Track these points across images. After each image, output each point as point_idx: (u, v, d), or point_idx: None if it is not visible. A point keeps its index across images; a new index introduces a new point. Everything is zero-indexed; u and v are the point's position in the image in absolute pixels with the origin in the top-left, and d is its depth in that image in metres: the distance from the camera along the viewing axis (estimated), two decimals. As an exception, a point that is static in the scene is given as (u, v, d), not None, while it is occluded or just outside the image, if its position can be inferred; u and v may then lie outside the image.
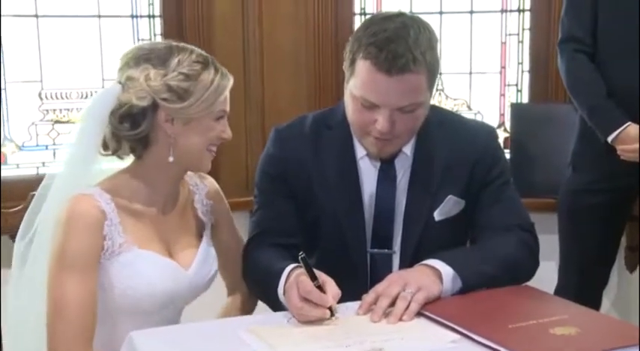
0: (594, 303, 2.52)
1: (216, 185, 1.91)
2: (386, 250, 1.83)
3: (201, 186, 1.86)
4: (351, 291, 1.63)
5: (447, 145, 1.84)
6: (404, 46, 1.64)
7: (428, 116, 1.82)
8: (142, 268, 1.65)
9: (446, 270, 1.62)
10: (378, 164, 1.84)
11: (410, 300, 1.54)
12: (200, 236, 1.82)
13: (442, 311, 1.54)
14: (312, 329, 1.48)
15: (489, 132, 1.95)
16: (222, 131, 1.69)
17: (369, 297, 1.57)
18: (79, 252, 1.60)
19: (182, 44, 1.69)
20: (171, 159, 1.66)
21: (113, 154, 1.70)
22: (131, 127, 1.64)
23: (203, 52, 1.69)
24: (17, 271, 1.74)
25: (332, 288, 1.53)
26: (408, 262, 1.78)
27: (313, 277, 1.52)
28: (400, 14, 1.73)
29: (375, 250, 1.84)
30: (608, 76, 2.49)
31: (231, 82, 1.69)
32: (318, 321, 1.50)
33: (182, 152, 1.67)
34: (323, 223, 1.85)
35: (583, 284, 2.56)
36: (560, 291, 2.50)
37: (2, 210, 1.97)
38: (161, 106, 1.62)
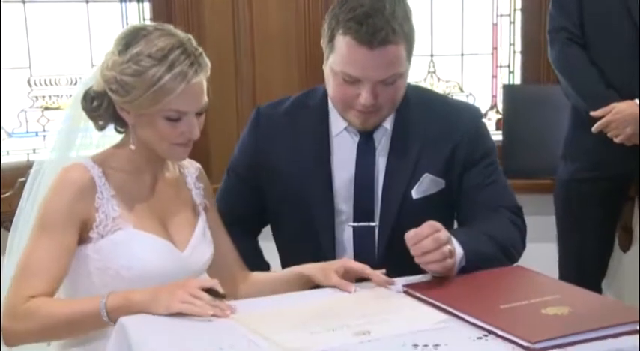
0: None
1: (204, 172, 1.88)
2: (368, 224, 1.85)
3: (191, 169, 1.84)
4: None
5: (427, 124, 1.85)
6: (382, 20, 1.68)
7: (409, 95, 1.85)
8: (138, 248, 1.64)
9: (458, 250, 1.64)
10: (357, 138, 1.85)
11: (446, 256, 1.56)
12: (195, 217, 1.79)
13: (432, 292, 1.54)
14: (298, 314, 1.48)
15: (473, 113, 1.95)
16: (181, 133, 1.62)
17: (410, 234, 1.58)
18: (59, 212, 1.59)
19: (162, 30, 1.61)
20: (132, 147, 1.65)
21: (100, 130, 1.70)
22: (96, 108, 1.65)
23: (174, 43, 1.58)
24: (8, 259, 1.75)
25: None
26: (386, 236, 1.82)
27: None
28: None
29: (357, 224, 1.85)
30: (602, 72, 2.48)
31: (194, 80, 1.58)
32: (301, 306, 1.51)
33: (143, 142, 1.65)
34: (294, 201, 1.87)
35: (582, 275, 2.54)
36: None
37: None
38: (110, 95, 1.62)
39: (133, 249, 1.63)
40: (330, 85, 1.80)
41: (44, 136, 2.92)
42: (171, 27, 1.63)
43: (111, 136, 1.72)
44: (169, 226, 1.72)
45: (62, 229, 1.59)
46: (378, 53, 1.69)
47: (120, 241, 1.63)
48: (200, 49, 1.62)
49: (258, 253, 2.01)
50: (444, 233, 1.58)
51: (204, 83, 1.62)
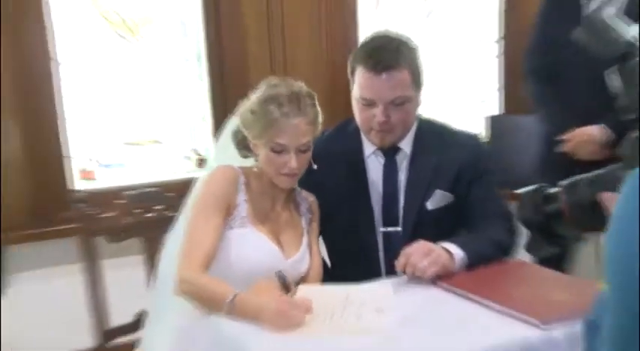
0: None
1: (316, 204, 2.02)
2: (395, 228, 2.05)
3: (306, 200, 1.99)
4: (369, 264, 1.99)
5: (439, 149, 2.06)
6: (387, 52, 1.95)
7: (423, 126, 2.10)
8: (255, 244, 1.78)
9: (458, 253, 1.85)
10: (383, 160, 2.07)
11: (424, 271, 1.78)
12: (301, 238, 1.92)
13: (458, 283, 1.74)
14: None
15: (474, 138, 2.18)
16: (283, 163, 1.77)
17: (400, 260, 1.80)
18: (214, 195, 1.76)
19: (285, 82, 1.80)
20: (255, 170, 1.86)
21: (244, 157, 1.91)
22: (235, 140, 1.90)
23: (291, 91, 1.75)
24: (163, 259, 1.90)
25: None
26: (408, 239, 1.94)
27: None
28: (388, 33, 2.04)
29: (387, 229, 2.05)
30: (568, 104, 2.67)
31: (294, 121, 1.74)
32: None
33: (262, 169, 1.85)
34: (338, 212, 2.04)
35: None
36: None
37: (96, 215, 2.18)
38: (242, 130, 1.84)
39: (251, 245, 1.79)
40: (355, 111, 2.03)
41: (126, 168, 3.27)
42: (294, 82, 1.83)
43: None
44: (281, 239, 1.88)
45: (214, 211, 1.76)
46: (384, 78, 1.92)
47: (242, 234, 1.79)
48: (309, 100, 1.79)
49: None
50: (414, 257, 1.77)
51: (306, 126, 1.78)
